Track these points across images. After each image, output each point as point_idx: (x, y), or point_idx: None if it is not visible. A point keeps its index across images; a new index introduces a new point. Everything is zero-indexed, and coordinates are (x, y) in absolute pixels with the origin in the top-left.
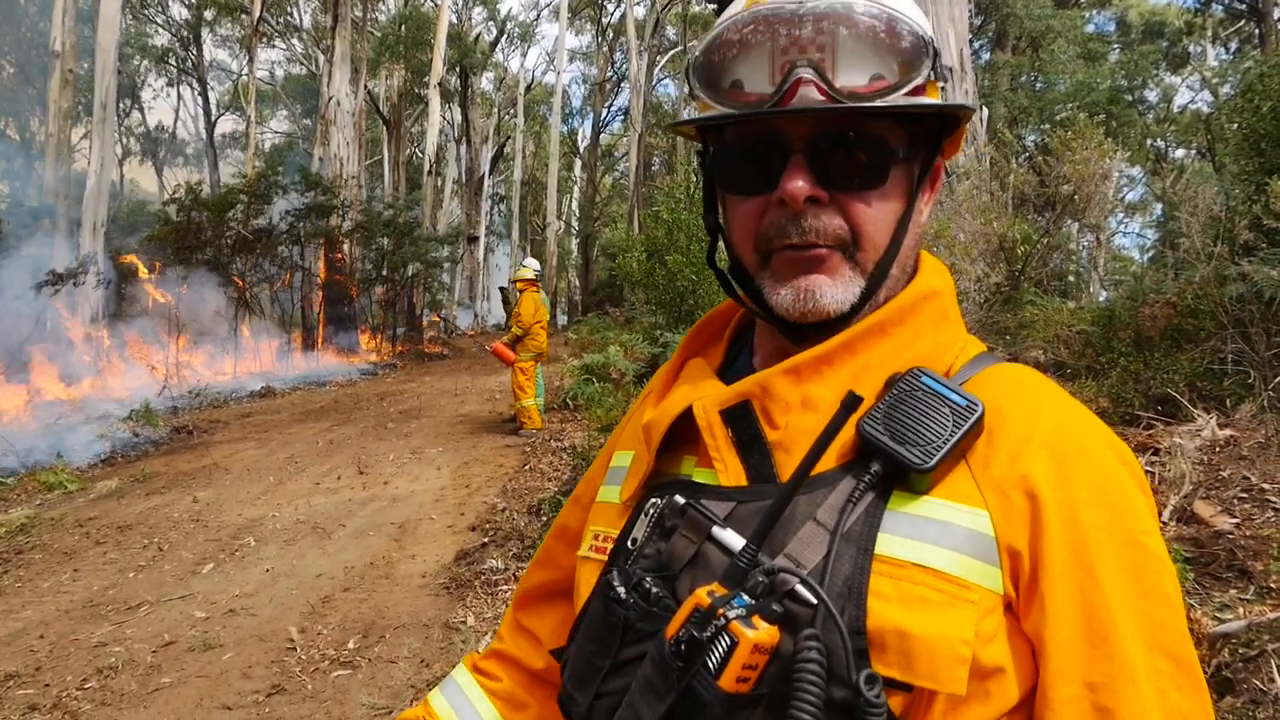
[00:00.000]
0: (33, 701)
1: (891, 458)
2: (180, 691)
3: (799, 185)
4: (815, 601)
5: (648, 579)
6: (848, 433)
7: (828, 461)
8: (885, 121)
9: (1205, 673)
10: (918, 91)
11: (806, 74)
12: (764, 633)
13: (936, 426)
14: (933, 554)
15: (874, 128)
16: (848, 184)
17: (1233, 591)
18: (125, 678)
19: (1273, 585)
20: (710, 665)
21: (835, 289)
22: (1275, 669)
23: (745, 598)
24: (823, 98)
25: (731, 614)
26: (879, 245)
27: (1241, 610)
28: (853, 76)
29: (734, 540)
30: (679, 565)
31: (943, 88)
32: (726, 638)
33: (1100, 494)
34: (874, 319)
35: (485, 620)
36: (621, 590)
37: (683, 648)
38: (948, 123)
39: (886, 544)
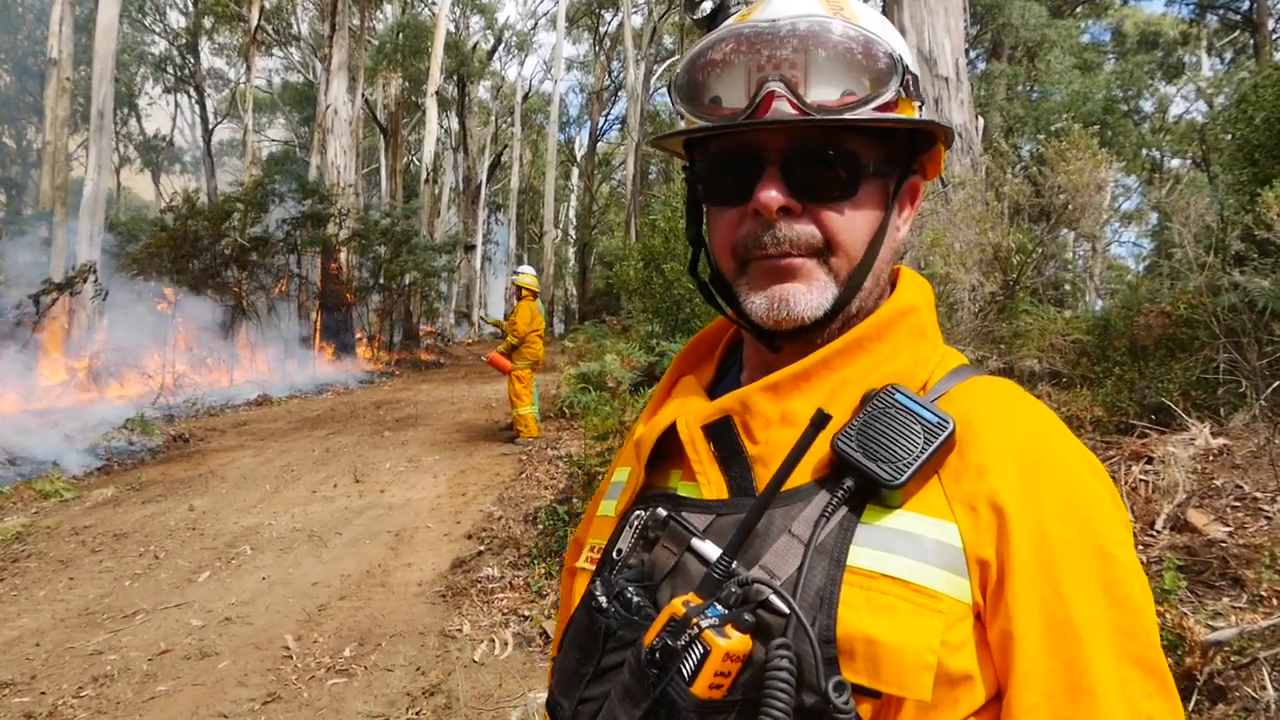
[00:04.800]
0: (29, 710)
1: (863, 473)
2: (176, 700)
3: (772, 195)
4: (787, 611)
5: (630, 588)
6: (824, 448)
7: (804, 476)
8: (858, 136)
9: (1197, 680)
10: (888, 107)
11: (778, 88)
12: (736, 641)
13: (908, 443)
14: (902, 565)
15: (847, 141)
16: (820, 195)
17: (1225, 599)
18: (121, 686)
19: (1265, 593)
20: (684, 672)
21: (809, 295)
22: (1267, 677)
23: (719, 607)
24: (795, 111)
25: (705, 623)
26: (853, 254)
27: (1234, 618)
28: (824, 92)
29: (711, 551)
30: (660, 575)
31: (920, 106)
32: (700, 646)
33: (1069, 507)
34: (852, 336)
35: (481, 628)
36: (603, 599)
37: (658, 655)
38: (921, 139)
39: (858, 556)
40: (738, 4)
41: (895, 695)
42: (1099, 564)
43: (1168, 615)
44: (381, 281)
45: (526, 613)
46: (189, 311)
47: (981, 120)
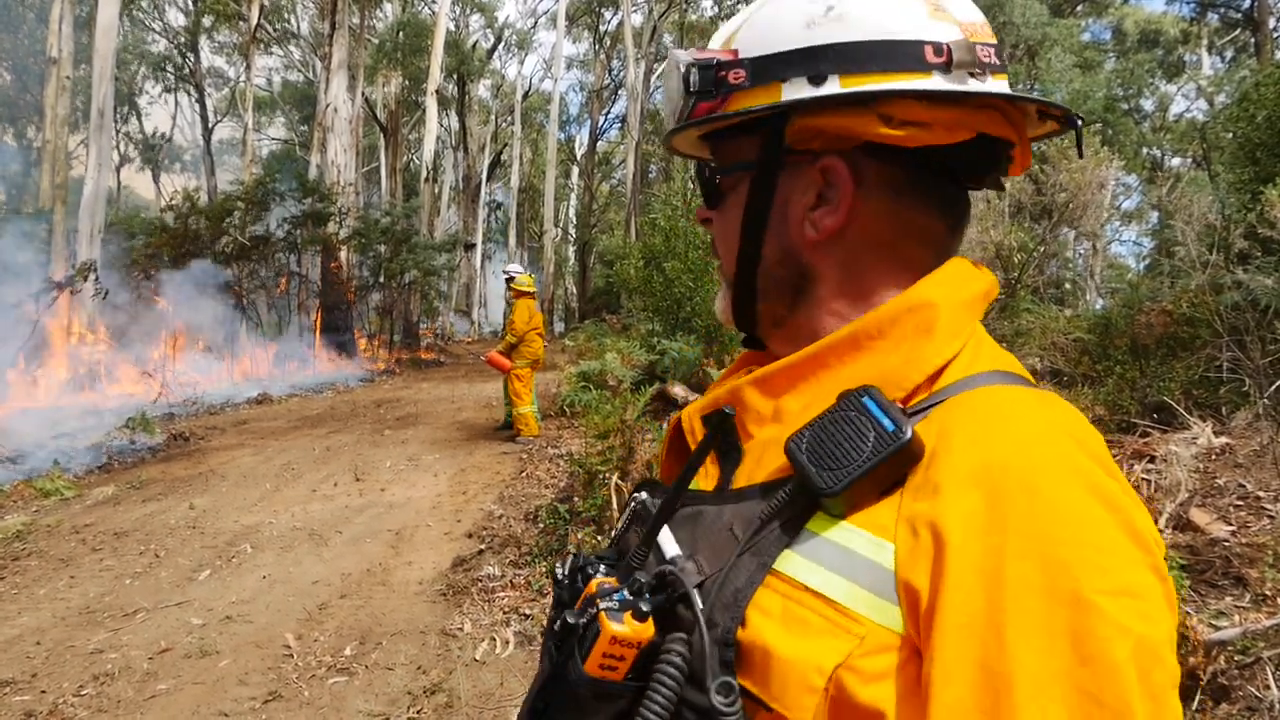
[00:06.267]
0: (29, 708)
1: (805, 478)
2: (177, 698)
3: (698, 209)
4: (700, 606)
5: (592, 565)
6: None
7: (764, 474)
8: (717, 143)
9: (1201, 680)
10: (721, 106)
11: (670, 120)
12: (627, 627)
13: (855, 451)
14: (826, 580)
15: (712, 150)
16: (705, 203)
17: (1228, 599)
18: (122, 684)
19: (1268, 592)
20: (580, 650)
21: (721, 301)
22: (1271, 676)
23: (625, 593)
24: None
25: (604, 605)
26: (727, 258)
27: (1237, 617)
28: (675, 109)
29: (666, 540)
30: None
31: (780, 83)
32: (596, 626)
33: (1041, 545)
34: (847, 331)
35: (482, 627)
36: (560, 572)
37: (555, 628)
38: (796, 117)
39: (789, 562)
40: None
41: (779, 712)
42: (1068, 612)
43: None
44: (382, 280)
45: (528, 611)
46: (189, 310)
47: None
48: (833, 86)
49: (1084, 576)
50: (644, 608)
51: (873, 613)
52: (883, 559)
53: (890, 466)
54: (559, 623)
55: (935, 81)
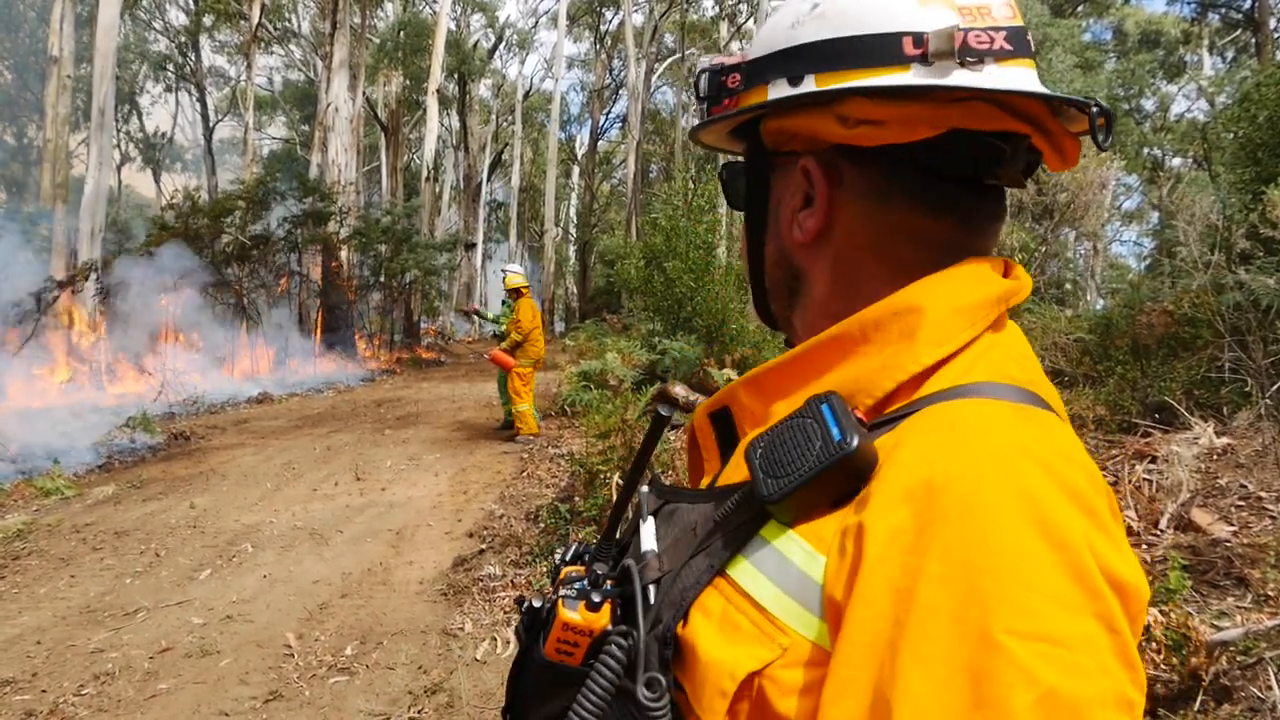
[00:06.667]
0: (30, 708)
1: (754, 484)
2: (177, 698)
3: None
4: (652, 602)
5: (589, 553)
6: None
7: (739, 476)
8: (744, 145)
9: (1203, 681)
10: (732, 108)
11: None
12: (579, 616)
13: (801, 459)
14: (762, 587)
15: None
16: None
17: (1230, 599)
18: (122, 684)
19: (1270, 593)
20: (543, 634)
21: (752, 300)
22: (1273, 676)
23: (584, 583)
24: None
25: (562, 592)
26: (745, 259)
27: (1239, 618)
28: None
29: (647, 533)
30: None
31: (784, 81)
32: (554, 613)
33: (963, 572)
34: (831, 333)
35: (483, 627)
36: (556, 558)
37: (525, 611)
38: (776, 116)
39: (736, 566)
40: None
41: (698, 713)
42: (972, 649)
43: (1173, 614)
44: (382, 280)
45: None
46: (190, 309)
47: None
48: (808, 86)
49: (998, 613)
50: (595, 598)
51: (799, 624)
52: (813, 571)
53: (835, 477)
54: (526, 606)
55: (908, 76)
